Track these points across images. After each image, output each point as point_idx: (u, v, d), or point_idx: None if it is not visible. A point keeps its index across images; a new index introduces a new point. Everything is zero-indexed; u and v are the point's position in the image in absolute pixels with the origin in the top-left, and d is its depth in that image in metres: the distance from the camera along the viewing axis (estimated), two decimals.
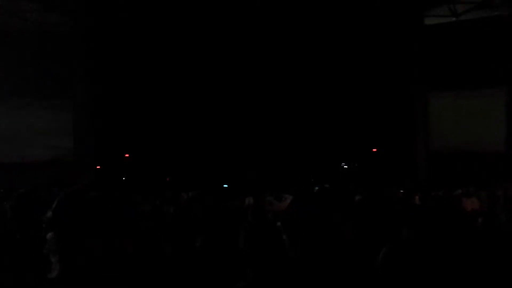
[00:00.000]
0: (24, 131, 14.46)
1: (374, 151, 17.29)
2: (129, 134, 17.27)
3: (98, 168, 15.76)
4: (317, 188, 9.80)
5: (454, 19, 15.20)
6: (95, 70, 15.45)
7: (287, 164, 17.08)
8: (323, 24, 15.29)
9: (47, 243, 3.57)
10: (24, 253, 4.37)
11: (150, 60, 16.30)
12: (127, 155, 17.03)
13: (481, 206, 5.44)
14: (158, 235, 3.95)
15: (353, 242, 3.89)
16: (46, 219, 3.77)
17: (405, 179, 13.44)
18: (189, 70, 16.56)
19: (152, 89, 17.02)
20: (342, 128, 17.20)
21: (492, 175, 11.26)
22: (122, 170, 16.13)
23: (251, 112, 17.10)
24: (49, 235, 3.56)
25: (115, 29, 15.15)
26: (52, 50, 14.75)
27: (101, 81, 15.45)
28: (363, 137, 16.79)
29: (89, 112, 15.59)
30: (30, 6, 14.20)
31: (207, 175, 17.18)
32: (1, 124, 14.32)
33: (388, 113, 16.49)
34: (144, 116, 17.85)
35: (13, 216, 5.77)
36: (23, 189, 6.24)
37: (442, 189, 7.58)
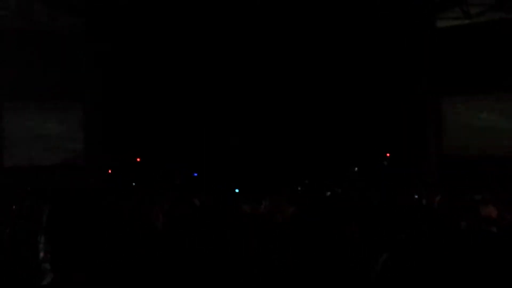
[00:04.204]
0: (33, 134, 14.41)
1: (388, 156, 17.12)
2: (141, 137, 17.25)
3: (110, 172, 15.73)
4: (329, 193, 9.68)
5: (467, 21, 15.03)
6: (105, 72, 15.41)
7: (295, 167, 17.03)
8: (332, 26, 15.19)
9: (39, 248, 3.50)
10: (21, 258, 4.29)
11: (162, 61, 16.26)
12: (138, 159, 16.97)
13: (498, 213, 5.28)
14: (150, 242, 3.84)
15: (366, 257, 3.77)
16: (40, 223, 3.67)
17: (417, 184, 13.26)
18: (200, 72, 16.53)
19: (165, 91, 16.99)
20: (352, 131, 17.06)
21: (508, 180, 11.07)
22: (133, 174, 16.07)
23: (259, 117, 17.02)
24: (42, 239, 3.48)
25: (126, 30, 15.11)
26: (62, 51, 14.69)
27: (112, 83, 15.41)
28: (374, 140, 16.63)
29: (100, 114, 15.54)
30: (38, 6, 14.15)
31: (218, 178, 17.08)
32: (9, 127, 14.26)
33: (399, 117, 16.34)
34: (156, 118, 17.84)
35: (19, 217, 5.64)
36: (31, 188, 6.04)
37: (456, 194, 7.40)
